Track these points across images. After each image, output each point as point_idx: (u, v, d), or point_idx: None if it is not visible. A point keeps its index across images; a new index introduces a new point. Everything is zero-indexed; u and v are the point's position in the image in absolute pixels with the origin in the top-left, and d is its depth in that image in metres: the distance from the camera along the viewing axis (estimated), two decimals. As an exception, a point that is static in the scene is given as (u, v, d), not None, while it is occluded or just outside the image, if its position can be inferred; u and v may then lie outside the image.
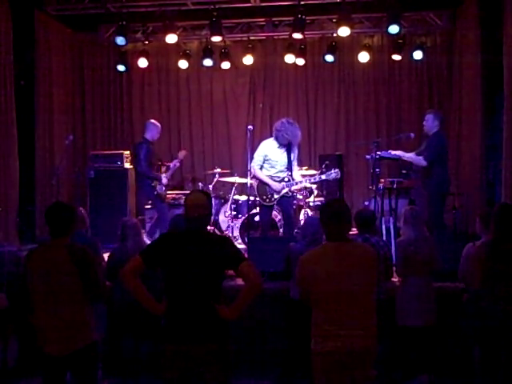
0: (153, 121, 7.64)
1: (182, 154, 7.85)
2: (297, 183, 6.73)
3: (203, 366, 3.19)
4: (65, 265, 3.45)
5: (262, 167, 6.71)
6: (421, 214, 5.01)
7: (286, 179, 6.67)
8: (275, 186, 6.64)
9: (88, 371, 3.58)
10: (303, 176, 7.16)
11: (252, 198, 7.22)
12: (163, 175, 7.45)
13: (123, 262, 4.82)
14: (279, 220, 7.54)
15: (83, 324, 3.51)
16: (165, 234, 3.85)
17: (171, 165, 7.67)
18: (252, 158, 6.80)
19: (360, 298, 3.32)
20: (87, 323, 3.53)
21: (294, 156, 6.76)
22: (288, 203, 6.80)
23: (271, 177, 6.67)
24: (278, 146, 6.65)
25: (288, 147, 6.67)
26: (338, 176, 6.68)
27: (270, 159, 6.66)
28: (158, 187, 7.34)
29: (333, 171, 6.71)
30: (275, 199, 6.68)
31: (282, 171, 6.68)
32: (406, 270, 4.81)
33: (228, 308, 3.24)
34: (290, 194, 6.74)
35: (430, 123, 6.59)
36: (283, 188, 6.63)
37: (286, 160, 6.66)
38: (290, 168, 6.69)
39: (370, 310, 3.37)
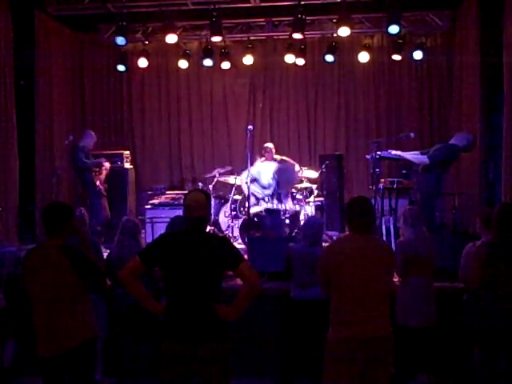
0: (90, 131, 7.86)
1: (105, 164, 8.01)
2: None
3: (203, 366, 3.19)
4: (60, 265, 3.45)
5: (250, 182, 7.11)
6: (420, 214, 5.01)
7: (266, 199, 7.19)
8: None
9: (83, 369, 3.57)
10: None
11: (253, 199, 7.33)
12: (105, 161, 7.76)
13: (122, 262, 4.86)
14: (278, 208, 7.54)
15: (79, 323, 3.51)
16: (164, 234, 3.84)
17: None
18: (251, 157, 6.94)
19: (377, 288, 3.44)
20: (83, 321, 3.53)
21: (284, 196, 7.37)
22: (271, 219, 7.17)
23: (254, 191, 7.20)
24: (273, 175, 7.24)
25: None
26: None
27: (259, 181, 7.19)
28: (98, 182, 7.64)
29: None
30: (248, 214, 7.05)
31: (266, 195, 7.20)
32: (406, 271, 4.81)
33: (227, 308, 3.24)
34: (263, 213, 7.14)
35: (459, 136, 6.64)
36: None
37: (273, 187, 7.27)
38: (273, 195, 7.22)
39: (385, 301, 3.49)
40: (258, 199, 7.14)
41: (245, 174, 7.18)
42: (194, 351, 3.17)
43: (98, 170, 7.76)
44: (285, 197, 7.36)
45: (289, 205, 7.31)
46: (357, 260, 3.43)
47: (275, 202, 7.18)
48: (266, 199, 7.09)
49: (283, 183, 7.16)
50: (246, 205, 6.91)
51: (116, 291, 4.98)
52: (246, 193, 7.16)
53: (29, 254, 3.69)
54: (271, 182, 7.15)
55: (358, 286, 3.40)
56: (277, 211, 7.33)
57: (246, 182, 7.04)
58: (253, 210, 6.92)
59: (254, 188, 7.10)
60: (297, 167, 7.56)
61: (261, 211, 7.06)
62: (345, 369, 3.35)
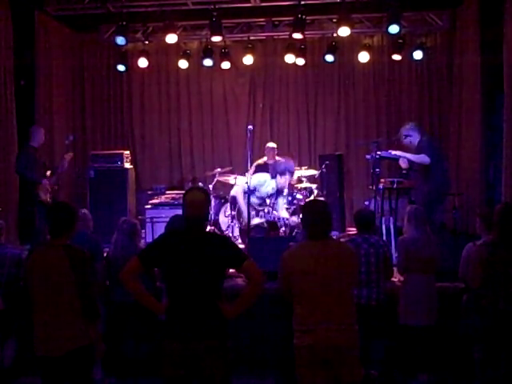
0: (36, 127, 7.36)
1: (68, 156, 7.46)
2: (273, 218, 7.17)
3: (203, 363, 3.19)
4: (62, 266, 3.44)
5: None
6: (424, 213, 5.01)
7: (266, 210, 7.15)
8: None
9: (82, 372, 3.56)
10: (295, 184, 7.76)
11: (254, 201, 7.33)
12: (45, 180, 7.01)
13: (118, 262, 4.88)
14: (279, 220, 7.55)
15: (79, 325, 3.49)
16: (163, 234, 3.82)
17: (58, 169, 7.32)
18: (252, 157, 6.98)
19: (339, 295, 3.38)
20: (84, 324, 3.52)
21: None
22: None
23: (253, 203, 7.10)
24: (273, 186, 7.19)
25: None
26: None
27: (259, 191, 7.16)
28: (42, 194, 6.94)
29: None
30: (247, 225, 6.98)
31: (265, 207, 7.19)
32: (407, 268, 4.82)
33: (230, 306, 3.25)
34: (265, 225, 7.14)
35: (410, 137, 6.59)
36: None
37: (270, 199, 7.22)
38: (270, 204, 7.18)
39: (349, 307, 3.43)
40: (256, 211, 7.17)
41: (241, 180, 7.22)
42: (195, 349, 3.17)
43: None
44: (278, 203, 7.34)
45: (283, 213, 7.29)
46: (313, 267, 3.36)
47: (274, 212, 7.18)
48: (266, 210, 7.13)
49: (280, 172, 7.13)
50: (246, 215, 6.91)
51: (115, 291, 4.98)
52: (244, 202, 7.08)
53: (32, 252, 3.69)
54: (270, 192, 7.18)
55: (317, 294, 3.34)
56: (275, 223, 7.29)
57: (245, 192, 7.04)
58: (253, 222, 6.99)
59: (253, 200, 7.10)
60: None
61: (262, 223, 7.09)
62: (312, 374, 3.33)
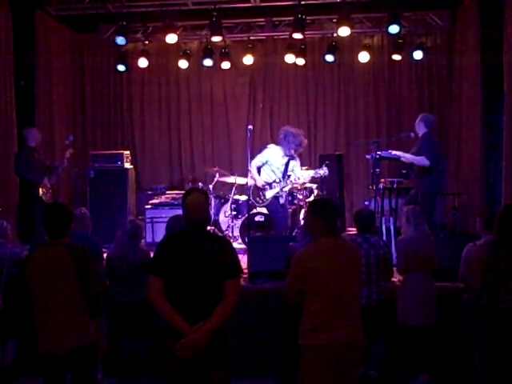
0: (29, 128, 7.32)
1: (68, 152, 7.41)
2: (286, 184, 7.11)
3: (204, 363, 3.19)
4: (65, 263, 3.45)
5: (259, 168, 7.02)
6: (422, 213, 5.02)
7: (277, 180, 7.08)
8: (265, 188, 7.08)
9: (85, 371, 3.56)
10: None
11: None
12: (44, 179, 7.02)
13: (120, 262, 4.87)
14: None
15: (82, 323, 3.50)
16: (165, 238, 3.77)
17: (59, 166, 7.34)
18: (252, 157, 6.94)
19: (348, 294, 3.40)
20: (86, 323, 3.52)
21: (294, 164, 7.15)
22: (274, 205, 7.12)
23: (266, 181, 7.06)
24: (282, 154, 7.04)
25: (290, 158, 7.07)
26: (326, 174, 7.04)
27: (272, 165, 7.04)
28: (41, 194, 6.96)
29: (320, 169, 7.07)
30: (267, 200, 7.06)
31: (278, 177, 7.08)
32: (406, 268, 4.82)
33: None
34: (281, 193, 7.09)
35: (416, 126, 6.74)
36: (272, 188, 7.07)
37: (283, 169, 7.09)
38: (284, 176, 7.09)
39: (356, 307, 3.46)
40: (269, 184, 7.08)
41: (242, 180, 7.19)
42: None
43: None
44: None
45: (299, 174, 7.20)
46: (330, 264, 3.38)
47: (287, 182, 7.11)
48: (278, 180, 7.05)
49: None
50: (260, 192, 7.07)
51: (114, 290, 4.98)
52: (253, 182, 7.13)
53: (32, 252, 3.70)
54: (282, 164, 7.08)
55: (333, 291, 3.35)
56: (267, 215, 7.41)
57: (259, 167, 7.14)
58: (269, 194, 7.09)
59: (265, 173, 7.07)
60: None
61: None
62: (319, 373, 3.33)
